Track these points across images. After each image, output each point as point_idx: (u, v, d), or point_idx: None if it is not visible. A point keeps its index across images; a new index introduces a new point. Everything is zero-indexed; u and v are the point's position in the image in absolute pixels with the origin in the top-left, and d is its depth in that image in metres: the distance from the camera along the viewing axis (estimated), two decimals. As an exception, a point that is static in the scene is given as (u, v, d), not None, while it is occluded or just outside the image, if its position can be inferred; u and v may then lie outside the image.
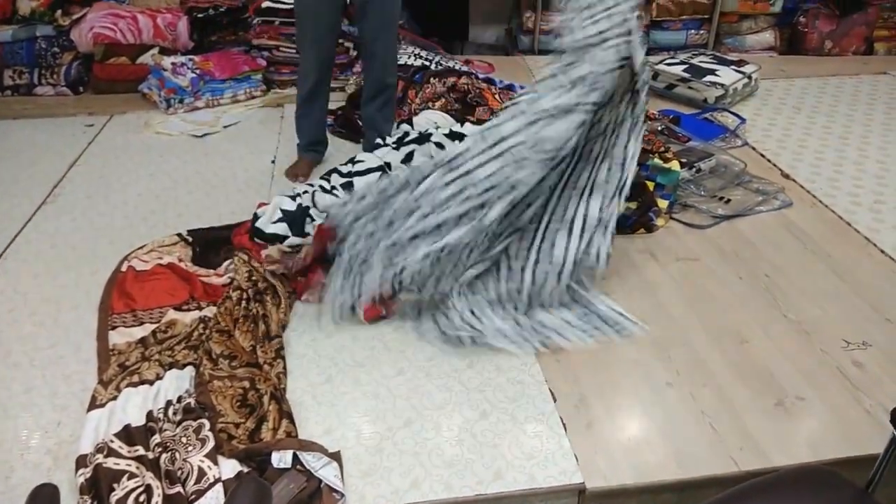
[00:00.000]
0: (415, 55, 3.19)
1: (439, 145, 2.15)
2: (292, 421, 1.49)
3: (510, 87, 3.09)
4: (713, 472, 1.43)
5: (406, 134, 2.32)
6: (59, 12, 3.27)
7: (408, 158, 2.17)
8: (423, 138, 2.21)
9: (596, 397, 1.61)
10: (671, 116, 2.84)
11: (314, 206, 1.99)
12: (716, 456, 1.47)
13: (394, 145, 2.26)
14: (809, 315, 1.87)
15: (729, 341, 1.78)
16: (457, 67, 3.14)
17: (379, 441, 1.49)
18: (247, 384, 1.58)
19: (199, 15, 3.40)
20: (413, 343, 1.78)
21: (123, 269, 2.02)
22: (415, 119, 2.62)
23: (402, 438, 1.50)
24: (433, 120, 2.59)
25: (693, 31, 3.98)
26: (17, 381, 1.65)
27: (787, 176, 2.58)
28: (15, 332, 1.81)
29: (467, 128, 2.54)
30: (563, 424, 1.53)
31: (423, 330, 1.80)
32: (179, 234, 2.17)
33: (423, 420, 1.54)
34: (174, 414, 1.51)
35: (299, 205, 2.01)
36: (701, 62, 3.25)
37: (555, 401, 1.59)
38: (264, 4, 3.29)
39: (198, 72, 3.12)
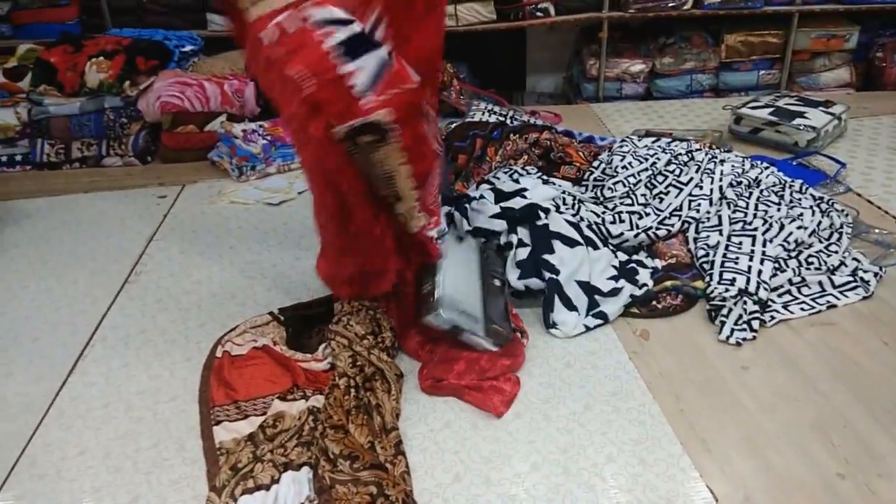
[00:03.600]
0: (488, 111, 3.10)
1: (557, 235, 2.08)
2: (431, 534, 1.34)
3: (590, 140, 2.97)
4: (919, 586, 1.25)
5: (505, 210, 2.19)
6: (126, 83, 3.25)
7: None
8: (530, 216, 2.12)
9: (763, 497, 1.43)
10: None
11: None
12: (918, 565, 1.28)
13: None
14: (976, 386, 1.68)
15: (892, 421, 1.60)
16: (534, 122, 3.04)
17: (529, 555, 1.33)
18: (374, 489, 1.43)
19: (265, 79, 3.36)
20: (541, 427, 1.63)
21: (219, 354, 1.90)
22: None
23: (554, 551, 1.34)
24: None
25: (764, 70, 3.86)
26: (122, 488, 1.52)
27: (904, 224, 2.41)
28: (112, 431, 1.69)
29: (561, 184, 2.43)
30: (734, 531, 1.36)
31: None
32: (272, 313, 2.06)
33: (571, 526, 1.38)
34: (298, 527, 1.37)
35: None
36: (787, 104, 3.10)
37: (717, 502, 1.42)
38: (331, 66, 3.24)
39: (269, 138, 3.07)
